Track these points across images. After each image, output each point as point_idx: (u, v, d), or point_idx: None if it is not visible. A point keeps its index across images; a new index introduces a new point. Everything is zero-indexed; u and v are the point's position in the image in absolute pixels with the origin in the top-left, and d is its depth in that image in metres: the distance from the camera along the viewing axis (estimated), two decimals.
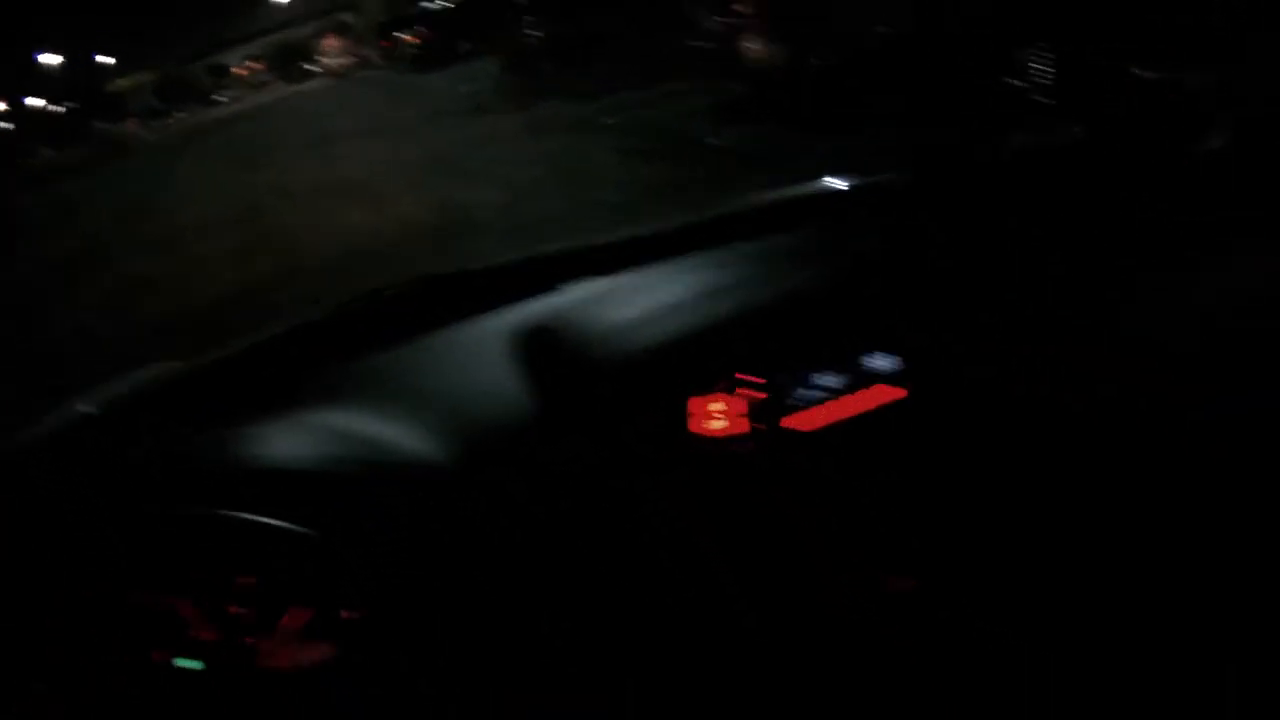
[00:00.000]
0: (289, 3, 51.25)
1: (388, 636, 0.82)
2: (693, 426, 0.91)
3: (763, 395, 0.93)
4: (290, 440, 0.96)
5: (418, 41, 23.46)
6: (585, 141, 7.94)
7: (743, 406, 0.92)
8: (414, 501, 0.88)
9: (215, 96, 46.69)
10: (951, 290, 1.04)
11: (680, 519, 0.88)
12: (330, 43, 36.12)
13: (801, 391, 0.94)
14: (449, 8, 22.66)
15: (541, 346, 1.04)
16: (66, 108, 42.97)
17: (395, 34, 25.93)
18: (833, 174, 1.37)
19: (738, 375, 0.93)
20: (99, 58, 48.04)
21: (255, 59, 53.66)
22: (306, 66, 40.53)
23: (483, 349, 1.06)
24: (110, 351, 4.73)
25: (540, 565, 0.85)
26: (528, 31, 15.93)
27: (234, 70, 52.56)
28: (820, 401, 0.94)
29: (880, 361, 0.96)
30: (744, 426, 0.92)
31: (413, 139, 10.77)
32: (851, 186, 1.34)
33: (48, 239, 11.04)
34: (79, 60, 46.79)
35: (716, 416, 0.91)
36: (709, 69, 8.18)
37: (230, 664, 0.83)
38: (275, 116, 23.39)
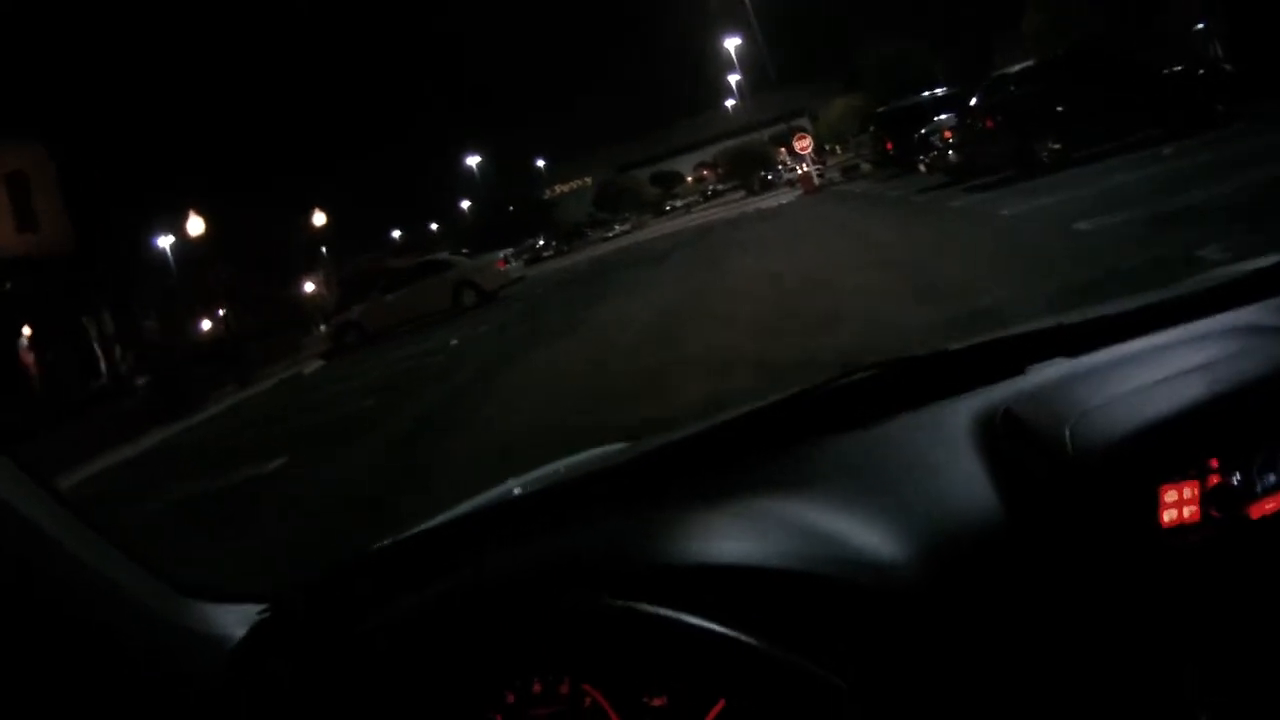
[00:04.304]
0: (736, 109, 47.24)
1: None
2: (1164, 517, 0.90)
3: (1229, 481, 0.90)
4: (734, 531, 0.95)
5: (949, 139, 15.73)
6: None
7: (1205, 493, 0.90)
8: (866, 605, 0.86)
9: (665, 205, 43.89)
10: None
11: (1149, 619, 0.87)
12: (802, 144, 28.86)
13: (1272, 477, 0.90)
14: (1039, 76, 14.31)
15: (1008, 432, 1.00)
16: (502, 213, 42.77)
17: (910, 130, 18.67)
18: None
19: (1209, 462, 0.90)
20: (539, 162, 48.02)
21: (708, 165, 50.69)
22: (768, 175, 35.25)
23: (946, 435, 1.04)
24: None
25: (998, 678, 0.84)
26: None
27: (687, 178, 50.02)
28: None
29: None
30: (1206, 514, 0.89)
31: None
32: None
33: None
34: (511, 164, 46.92)
35: (1180, 505, 0.89)
36: None
37: None
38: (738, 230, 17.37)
